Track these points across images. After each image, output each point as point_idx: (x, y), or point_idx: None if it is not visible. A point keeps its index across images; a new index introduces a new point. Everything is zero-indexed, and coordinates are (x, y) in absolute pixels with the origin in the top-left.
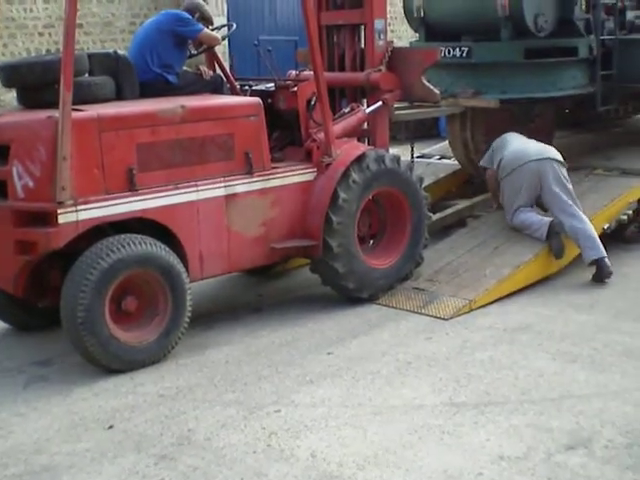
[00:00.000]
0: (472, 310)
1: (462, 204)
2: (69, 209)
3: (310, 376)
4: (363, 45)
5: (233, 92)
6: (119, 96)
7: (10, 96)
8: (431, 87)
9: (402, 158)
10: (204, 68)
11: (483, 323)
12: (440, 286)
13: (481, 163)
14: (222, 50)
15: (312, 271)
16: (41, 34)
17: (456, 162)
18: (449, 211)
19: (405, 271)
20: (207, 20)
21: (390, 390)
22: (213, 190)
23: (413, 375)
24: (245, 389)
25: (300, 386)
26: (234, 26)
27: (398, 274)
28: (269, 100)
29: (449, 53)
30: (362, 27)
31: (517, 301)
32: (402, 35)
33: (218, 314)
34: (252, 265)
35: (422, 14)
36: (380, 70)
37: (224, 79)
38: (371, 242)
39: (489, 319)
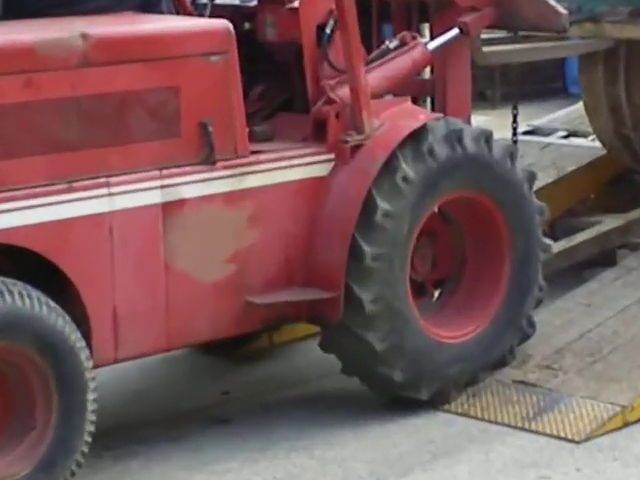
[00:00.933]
0: (627, 425)
1: (608, 223)
2: None
3: None
4: None
5: (180, 10)
6: None
7: None
8: (552, 3)
9: (496, 135)
10: None
11: None
12: (566, 379)
13: None
14: None
15: (324, 349)
16: None
17: (597, 143)
18: (584, 236)
19: (500, 349)
20: None
21: None
22: (140, 194)
23: None
24: None
25: None
26: None
27: (487, 355)
28: (246, 25)
29: None
30: None
31: None
32: None
33: (149, 427)
34: (211, 336)
35: None
36: None
37: None
38: (436, 294)
39: None
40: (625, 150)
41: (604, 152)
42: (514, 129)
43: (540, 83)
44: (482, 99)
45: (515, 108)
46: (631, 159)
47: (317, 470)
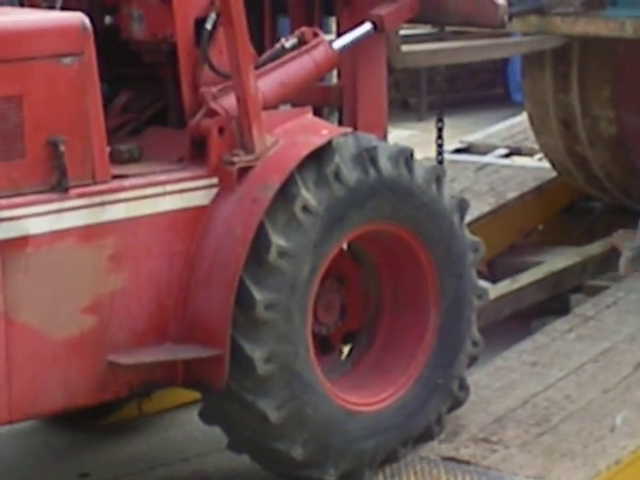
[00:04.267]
0: None
1: (559, 261)
2: None
3: None
4: None
5: (25, 1)
6: None
7: None
8: None
9: (423, 154)
10: None
11: None
12: (508, 454)
13: None
14: None
15: (206, 419)
16: None
17: (545, 163)
18: (529, 277)
19: (426, 419)
20: None
21: None
22: None
23: None
24: None
25: None
26: None
27: (409, 426)
28: (107, 19)
29: None
30: None
31: None
32: None
33: None
34: (65, 406)
35: None
36: None
37: None
38: (346, 351)
39: None
40: (579, 172)
41: (553, 174)
42: (439, 146)
43: (477, 90)
44: (405, 109)
45: (440, 120)
46: (586, 183)
47: None
